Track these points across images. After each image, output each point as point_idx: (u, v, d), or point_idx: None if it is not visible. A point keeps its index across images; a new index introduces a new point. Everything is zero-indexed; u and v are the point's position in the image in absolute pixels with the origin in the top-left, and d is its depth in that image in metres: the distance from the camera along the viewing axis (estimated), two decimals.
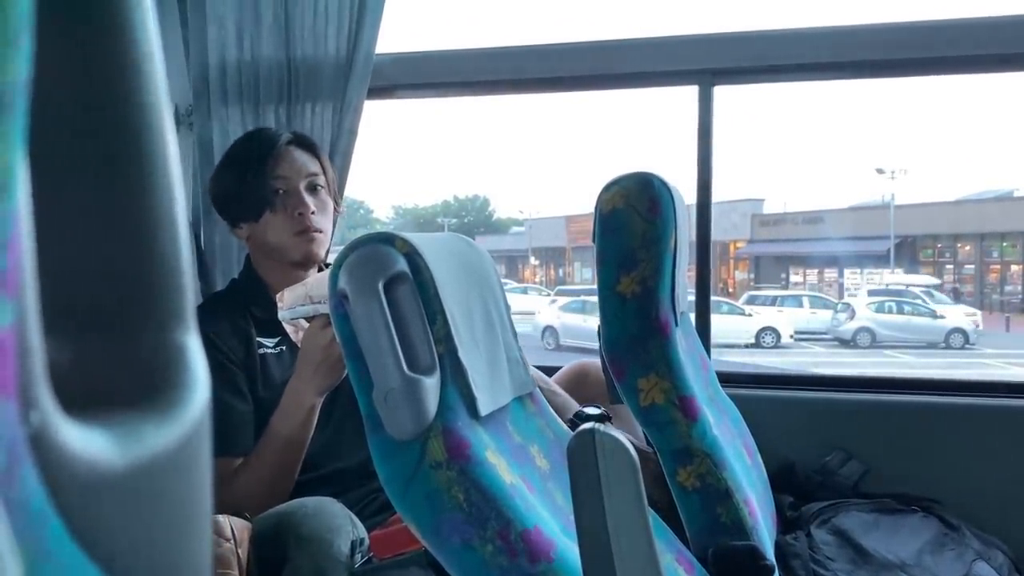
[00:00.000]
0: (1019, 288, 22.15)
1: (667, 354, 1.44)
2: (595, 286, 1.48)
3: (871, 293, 19.26)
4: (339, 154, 2.21)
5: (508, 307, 1.24)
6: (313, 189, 1.77)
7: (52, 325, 0.23)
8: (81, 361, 0.26)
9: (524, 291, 22.87)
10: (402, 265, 1.00)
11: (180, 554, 0.28)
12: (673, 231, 1.45)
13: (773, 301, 19.23)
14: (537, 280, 28.31)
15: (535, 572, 0.98)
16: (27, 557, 0.21)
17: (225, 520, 1.35)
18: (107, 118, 0.27)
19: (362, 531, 1.41)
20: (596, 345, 1.48)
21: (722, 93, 2.20)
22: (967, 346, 16.51)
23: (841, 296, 20.93)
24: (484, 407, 1.06)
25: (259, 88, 2.26)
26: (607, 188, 1.44)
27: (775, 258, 24.45)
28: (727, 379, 1.94)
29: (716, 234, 2.31)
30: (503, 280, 1.38)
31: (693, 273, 2.13)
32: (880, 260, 22.15)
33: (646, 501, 0.91)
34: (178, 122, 2.30)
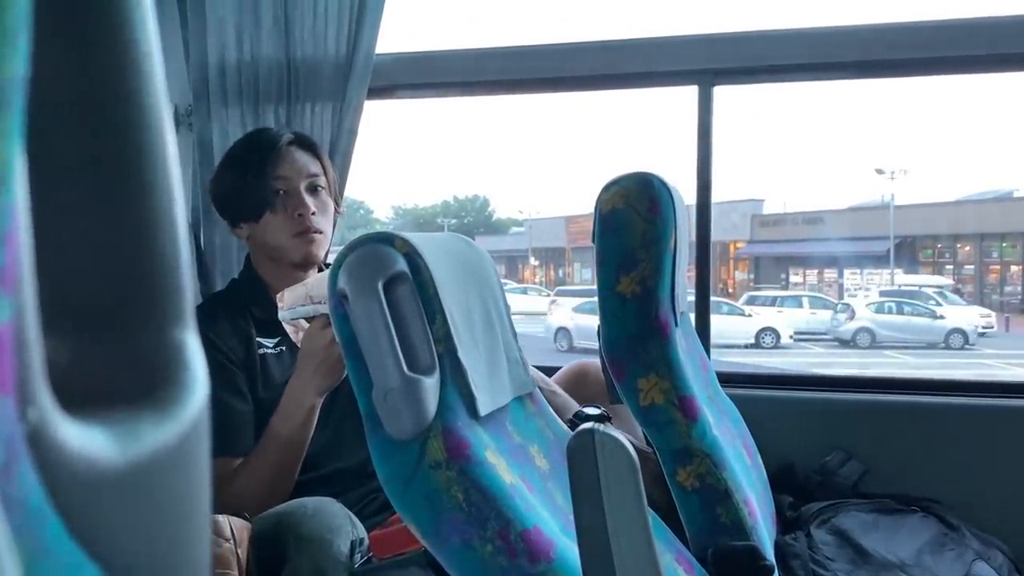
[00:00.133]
0: (1019, 289, 22.15)
1: (667, 354, 1.44)
2: (595, 286, 1.48)
3: (883, 294, 19.17)
4: (339, 154, 2.21)
5: (508, 307, 1.24)
6: (314, 190, 1.77)
7: (51, 323, 0.23)
8: (80, 359, 0.26)
9: (524, 291, 22.86)
10: (402, 265, 1.00)
11: (179, 552, 0.28)
12: (673, 231, 1.45)
13: (773, 301, 19.22)
14: (537, 280, 28.31)
15: (535, 572, 0.98)
16: (25, 555, 0.21)
17: (225, 520, 1.35)
18: (106, 117, 0.27)
19: (362, 531, 1.41)
20: None
21: (722, 93, 2.20)
22: (967, 346, 16.51)
23: (841, 296, 20.92)
24: (484, 407, 1.06)
25: (259, 88, 2.26)
26: (607, 188, 1.45)
27: (775, 258, 24.44)
28: (727, 379, 1.94)
29: (716, 234, 2.31)
30: (503, 280, 1.39)
31: (693, 273, 2.14)
32: (880, 260, 22.14)
33: (646, 501, 0.91)
34: (178, 122, 2.30)
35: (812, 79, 2.36)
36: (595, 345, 1.50)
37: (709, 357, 1.89)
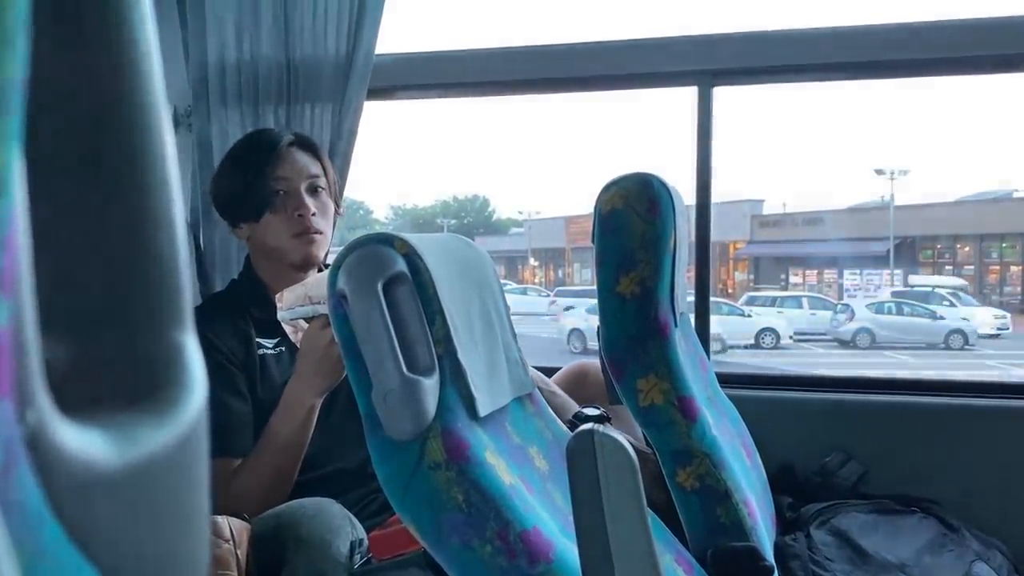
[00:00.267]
0: (1018, 289, 22.15)
1: (666, 355, 1.44)
2: (595, 287, 1.48)
3: (895, 295, 19.09)
4: (339, 155, 2.20)
5: (507, 308, 1.24)
6: (314, 191, 1.77)
7: (49, 324, 0.23)
8: (78, 361, 0.26)
9: (524, 292, 22.86)
10: (401, 266, 1.00)
11: (177, 554, 0.28)
12: (672, 232, 1.45)
13: (773, 302, 19.22)
14: (536, 281, 28.31)
15: (534, 573, 0.98)
16: (23, 557, 0.21)
17: (224, 521, 1.35)
18: (104, 118, 0.27)
19: (361, 532, 1.41)
20: None
21: (722, 93, 2.20)
22: (966, 347, 16.51)
23: (841, 297, 20.90)
24: (483, 408, 1.06)
25: (258, 89, 2.26)
26: (606, 189, 1.45)
27: (775, 259, 24.45)
28: (726, 380, 1.93)
29: (715, 235, 2.31)
30: (503, 281, 1.38)
31: (692, 274, 2.14)
32: (879, 261, 22.14)
33: (645, 502, 0.91)
34: (177, 123, 2.30)
35: (812, 80, 2.36)
36: None
37: (708, 358, 1.89)
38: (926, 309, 17.52)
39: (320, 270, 1.78)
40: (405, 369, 0.98)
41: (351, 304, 0.98)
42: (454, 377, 1.03)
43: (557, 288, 23.59)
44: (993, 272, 22.43)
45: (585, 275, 25.54)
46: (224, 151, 1.96)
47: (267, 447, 1.57)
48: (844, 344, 17.09)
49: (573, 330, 15.83)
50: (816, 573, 1.78)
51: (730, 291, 23.58)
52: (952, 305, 17.92)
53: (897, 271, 21.53)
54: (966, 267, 22.64)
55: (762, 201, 25.76)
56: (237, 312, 1.72)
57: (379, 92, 2.29)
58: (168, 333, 0.28)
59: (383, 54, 2.24)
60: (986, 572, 1.80)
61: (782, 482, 1.99)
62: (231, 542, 1.33)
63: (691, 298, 2.12)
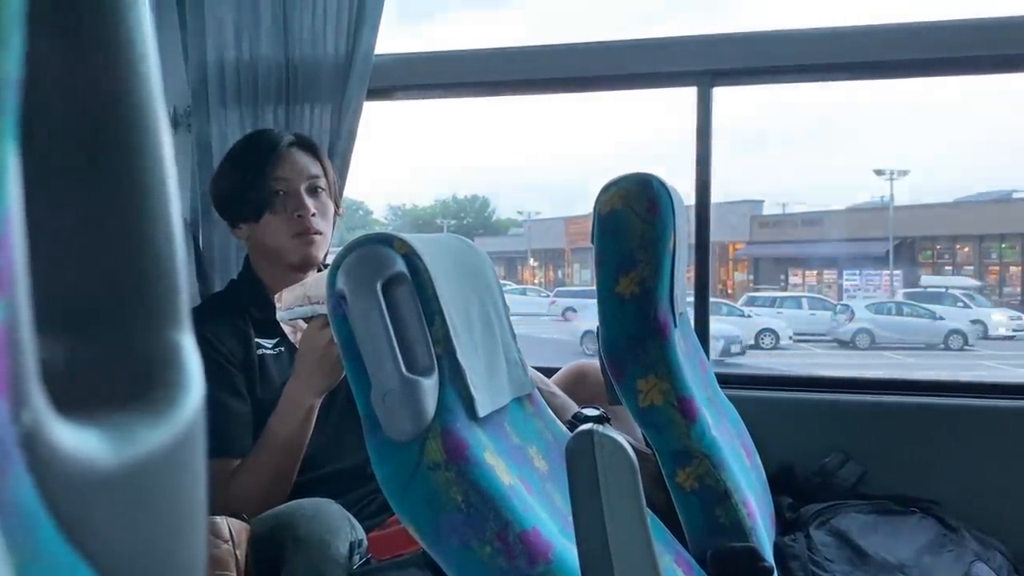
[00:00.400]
0: (1018, 290, 22.15)
1: (666, 355, 1.44)
2: (594, 287, 1.48)
3: (907, 296, 19.02)
4: (338, 155, 2.20)
5: (507, 308, 1.24)
6: (314, 191, 1.77)
7: (45, 324, 0.23)
8: (74, 360, 0.26)
9: (523, 292, 22.85)
10: (400, 266, 1.00)
11: (173, 554, 0.28)
12: (672, 232, 1.45)
13: (772, 302, 19.21)
14: (536, 281, 28.31)
15: (533, 573, 0.98)
16: (18, 557, 0.21)
17: (223, 521, 1.35)
18: (101, 118, 0.27)
19: (360, 532, 1.41)
20: None
21: (722, 94, 2.20)
22: (966, 347, 16.51)
23: (840, 297, 20.90)
24: (482, 408, 1.05)
25: (258, 89, 2.26)
26: (606, 189, 1.45)
27: (774, 259, 24.44)
28: (726, 380, 1.94)
29: (715, 235, 2.31)
30: (502, 281, 1.38)
31: (692, 274, 2.13)
32: (879, 261, 22.14)
33: (644, 502, 0.90)
34: (177, 123, 2.30)
35: (811, 80, 2.36)
36: None
37: (708, 358, 1.89)
38: (925, 309, 17.51)
39: (319, 270, 1.78)
40: (404, 369, 0.98)
41: (350, 304, 0.98)
42: (453, 377, 1.03)
43: (557, 289, 23.57)
44: (992, 272, 22.43)
45: (585, 276, 25.52)
46: (223, 151, 1.96)
47: (266, 447, 1.57)
48: (844, 345, 17.09)
49: (587, 332, 15.77)
50: (816, 574, 1.78)
51: (729, 292, 23.57)
52: (966, 306, 17.87)
53: (897, 271, 21.52)
54: (965, 267, 22.64)
55: (762, 201, 25.76)
56: (236, 312, 1.72)
57: (379, 92, 2.29)
58: (165, 332, 0.28)
59: (382, 54, 2.24)
60: (986, 572, 1.80)
61: (782, 482, 1.99)
62: (230, 542, 1.33)
63: (690, 299, 2.12)
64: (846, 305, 18.47)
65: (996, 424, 2.05)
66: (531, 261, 29.85)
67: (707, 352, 1.98)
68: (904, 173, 23.48)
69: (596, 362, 1.55)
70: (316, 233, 1.74)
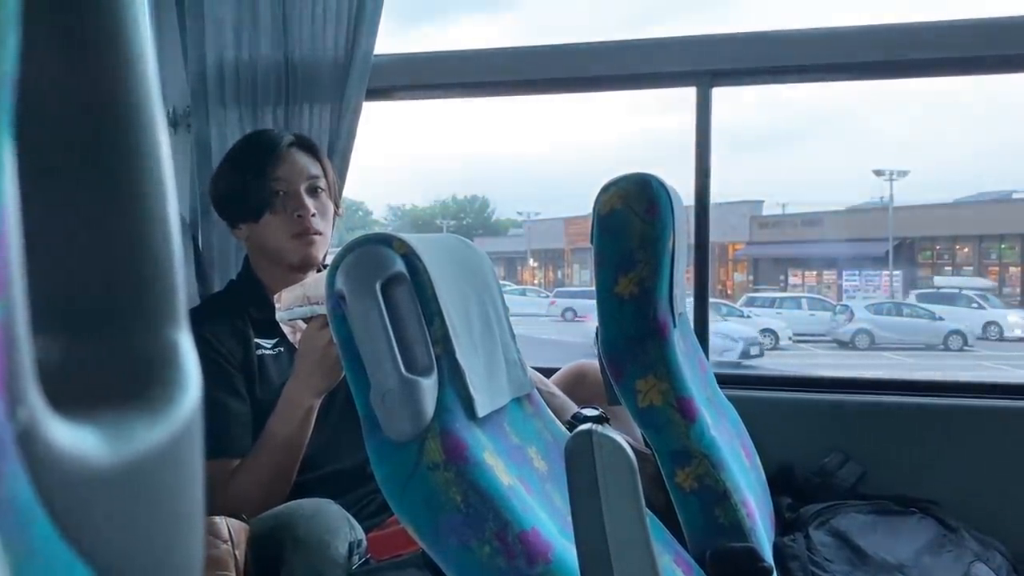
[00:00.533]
0: (1017, 290, 22.14)
1: (665, 355, 1.44)
2: (594, 288, 1.48)
3: (919, 297, 18.94)
4: (337, 155, 2.20)
5: (506, 308, 1.24)
6: (313, 191, 1.77)
7: (41, 322, 0.23)
8: (71, 358, 0.26)
9: (523, 292, 22.84)
10: (400, 266, 1.00)
11: (170, 553, 0.28)
12: (671, 232, 1.45)
13: (772, 303, 19.20)
14: (536, 282, 28.30)
15: (533, 574, 0.98)
16: (14, 555, 0.21)
17: (222, 521, 1.35)
18: (98, 117, 0.27)
19: (360, 532, 1.41)
20: None
21: (721, 94, 2.20)
22: (965, 348, 16.51)
23: (840, 298, 20.89)
24: (482, 408, 1.05)
25: (257, 89, 2.26)
26: (605, 189, 1.45)
27: (774, 260, 24.44)
28: (725, 380, 1.93)
29: (714, 236, 2.31)
30: (502, 282, 1.38)
31: (691, 275, 2.13)
32: (878, 262, 22.14)
33: (644, 502, 0.90)
34: (176, 123, 2.30)
35: (811, 80, 2.36)
36: None
37: (707, 358, 1.89)
38: (925, 310, 17.49)
39: (319, 271, 1.78)
40: (403, 369, 0.98)
41: (349, 304, 0.98)
42: (452, 377, 1.03)
43: (556, 289, 23.58)
44: (992, 273, 22.42)
45: (584, 276, 25.52)
46: (223, 151, 1.96)
47: (265, 447, 1.57)
48: (843, 345, 17.09)
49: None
50: (815, 574, 1.78)
51: (729, 292, 23.57)
52: (980, 307, 17.82)
53: (896, 272, 21.52)
54: (965, 268, 22.63)
55: (761, 202, 25.75)
56: (236, 313, 1.72)
57: (378, 92, 2.29)
58: (162, 331, 0.28)
59: (382, 54, 2.24)
60: (985, 572, 1.80)
61: (781, 483, 1.99)
62: (229, 543, 1.33)
63: (690, 299, 2.12)
64: (846, 305, 18.47)
65: (996, 424, 2.05)
66: (531, 261, 29.85)
67: (706, 352, 1.98)
68: (904, 173, 23.48)
69: (595, 362, 1.55)
70: (316, 233, 1.74)
